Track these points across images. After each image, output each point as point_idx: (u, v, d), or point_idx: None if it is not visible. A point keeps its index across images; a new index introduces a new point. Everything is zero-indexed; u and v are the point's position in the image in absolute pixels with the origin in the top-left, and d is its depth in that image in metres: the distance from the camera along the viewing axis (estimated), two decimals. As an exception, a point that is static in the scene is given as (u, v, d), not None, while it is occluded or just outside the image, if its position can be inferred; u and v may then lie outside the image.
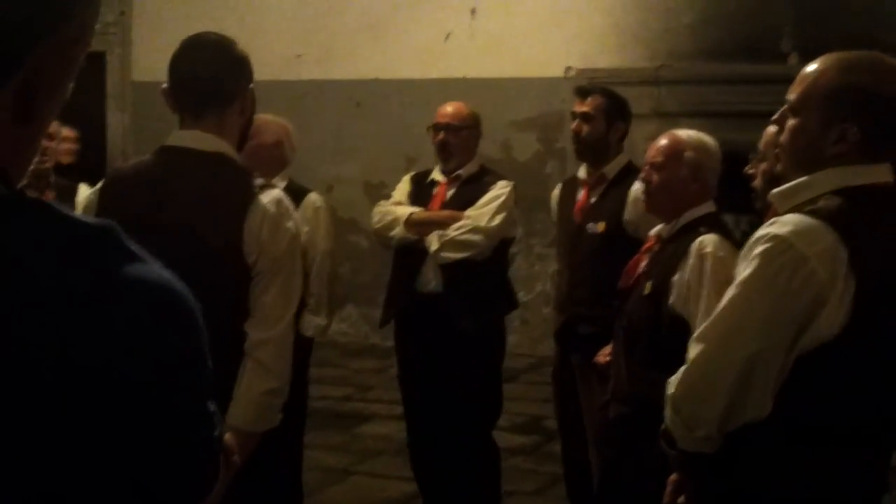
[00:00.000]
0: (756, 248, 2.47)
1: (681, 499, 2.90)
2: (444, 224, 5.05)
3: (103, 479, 1.13)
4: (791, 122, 2.61)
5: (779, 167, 2.75)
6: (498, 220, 5.03)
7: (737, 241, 3.83)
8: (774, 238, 2.43)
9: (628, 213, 4.83)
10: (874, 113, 2.53)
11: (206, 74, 3.01)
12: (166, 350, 1.16)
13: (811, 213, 2.45)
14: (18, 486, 1.09)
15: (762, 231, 2.49)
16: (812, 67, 2.61)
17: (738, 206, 7.28)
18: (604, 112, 5.07)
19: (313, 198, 5.10)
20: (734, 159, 4.31)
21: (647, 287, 3.95)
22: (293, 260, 3.03)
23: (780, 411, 2.47)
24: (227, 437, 1.45)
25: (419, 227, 5.08)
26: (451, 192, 5.21)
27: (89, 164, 9.10)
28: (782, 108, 2.65)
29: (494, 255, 5.12)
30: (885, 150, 2.57)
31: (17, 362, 1.07)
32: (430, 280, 5.10)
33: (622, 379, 4.05)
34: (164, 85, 3.06)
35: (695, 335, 2.61)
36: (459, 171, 5.22)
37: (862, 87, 2.53)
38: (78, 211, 3.05)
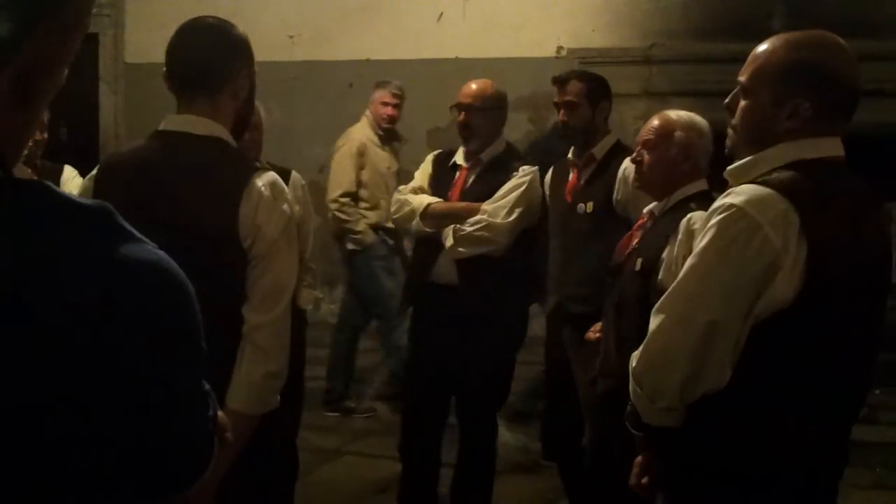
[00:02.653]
0: (712, 218, 2.51)
1: (644, 479, 2.93)
2: (459, 217, 4.94)
3: (99, 457, 1.15)
4: (744, 103, 2.66)
5: (730, 145, 2.78)
6: (515, 214, 4.92)
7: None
8: (729, 207, 2.47)
9: (618, 193, 4.83)
10: (825, 88, 2.57)
11: (196, 59, 2.99)
12: (162, 330, 1.17)
13: (764, 182, 2.49)
14: (14, 466, 1.11)
15: (718, 202, 2.52)
16: (762, 48, 2.65)
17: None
18: (586, 96, 5.08)
19: (297, 176, 5.06)
20: (725, 138, 4.32)
21: (638, 263, 3.98)
22: (289, 242, 3.00)
23: (738, 382, 2.49)
24: (221, 415, 1.47)
25: (435, 220, 4.99)
26: (471, 179, 5.10)
27: (81, 145, 9.11)
28: (733, 91, 2.70)
29: (515, 246, 5.00)
30: (835, 125, 2.61)
31: (12, 343, 1.09)
32: (446, 272, 5.02)
33: (611, 354, 4.08)
34: (165, 69, 3.05)
35: (655, 306, 2.62)
36: (480, 155, 5.10)
37: (812, 64, 2.57)
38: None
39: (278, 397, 3.04)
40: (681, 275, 2.58)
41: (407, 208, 5.07)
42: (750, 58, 2.66)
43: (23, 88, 1.19)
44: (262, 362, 2.95)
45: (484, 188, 5.03)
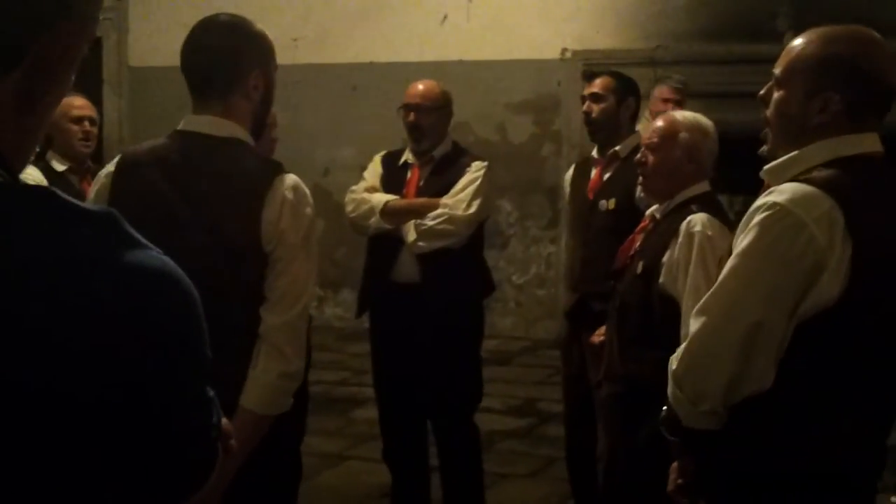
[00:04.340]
0: (755, 217, 2.48)
1: (680, 480, 2.91)
2: (420, 213, 4.99)
3: (99, 465, 1.13)
4: (777, 95, 2.65)
5: (767, 145, 2.76)
6: (475, 206, 4.99)
7: (730, 221, 3.84)
8: (774, 206, 2.44)
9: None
10: (855, 82, 2.55)
11: (203, 59, 2.96)
12: (162, 336, 1.16)
13: (807, 181, 2.47)
14: (17, 474, 1.10)
15: (760, 200, 2.50)
16: (797, 41, 2.65)
17: (733, 186, 7.27)
18: (613, 91, 5.10)
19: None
20: (729, 140, 4.32)
21: (639, 267, 3.97)
22: (310, 245, 2.98)
23: (781, 383, 2.47)
24: (226, 423, 1.46)
25: (395, 217, 5.02)
26: (424, 177, 5.15)
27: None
28: (768, 84, 2.69)
29: (470, 239, 5.08)
30: (868, 120, 2.59)
31: (11, 347, 1.08)
32: (408, 270, 5.05)
33: (614, 359, 4.06)
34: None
35: (696, 308, 2.59)
36: (432, 153, 5.16)
37: (843, 58, 2.56)
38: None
39: (291, 399, 3.03)
40: (722, 275, 2.55)
41: (365, 206, 5.09)
42: (785, 50, 2.66)
43: (29, 94, 1.19)
44: (277, 363, 2.93)
45: (439, 184, 5.09)
